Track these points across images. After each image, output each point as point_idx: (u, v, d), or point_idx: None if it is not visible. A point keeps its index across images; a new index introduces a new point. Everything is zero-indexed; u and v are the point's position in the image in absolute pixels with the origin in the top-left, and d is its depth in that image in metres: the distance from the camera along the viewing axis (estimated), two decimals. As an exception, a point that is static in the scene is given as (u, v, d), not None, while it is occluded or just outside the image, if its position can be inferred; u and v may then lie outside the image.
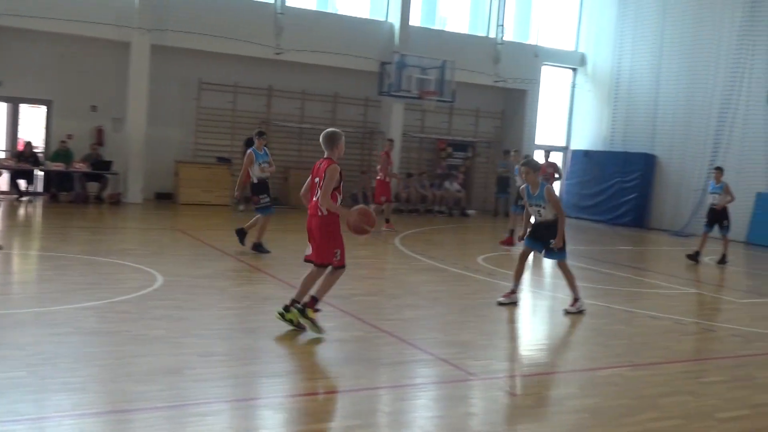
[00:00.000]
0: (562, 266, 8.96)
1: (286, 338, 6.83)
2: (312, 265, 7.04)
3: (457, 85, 21.13)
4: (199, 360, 5.95)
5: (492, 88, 23.15)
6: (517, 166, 16.38)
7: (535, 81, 23.51)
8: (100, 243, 12.14)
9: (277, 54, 19.55)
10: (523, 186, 8.99)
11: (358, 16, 21.33)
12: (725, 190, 14.59)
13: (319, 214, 6.84)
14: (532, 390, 6.11)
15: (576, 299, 8.90)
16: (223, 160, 19.64)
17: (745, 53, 19.56)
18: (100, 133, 18.78)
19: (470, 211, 22.17)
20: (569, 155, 24.67)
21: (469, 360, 6.70)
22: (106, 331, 6.63)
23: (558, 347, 7.55)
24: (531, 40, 24.01)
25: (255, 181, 11.67)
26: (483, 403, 5.66)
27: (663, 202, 21.70)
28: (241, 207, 18.51)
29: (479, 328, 7.91)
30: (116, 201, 17.76)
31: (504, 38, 22.89)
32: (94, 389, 5.17)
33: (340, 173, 6.81)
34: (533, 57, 23.43)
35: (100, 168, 17.75)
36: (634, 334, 8.26)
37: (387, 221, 16.30)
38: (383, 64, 20.56)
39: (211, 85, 19.84)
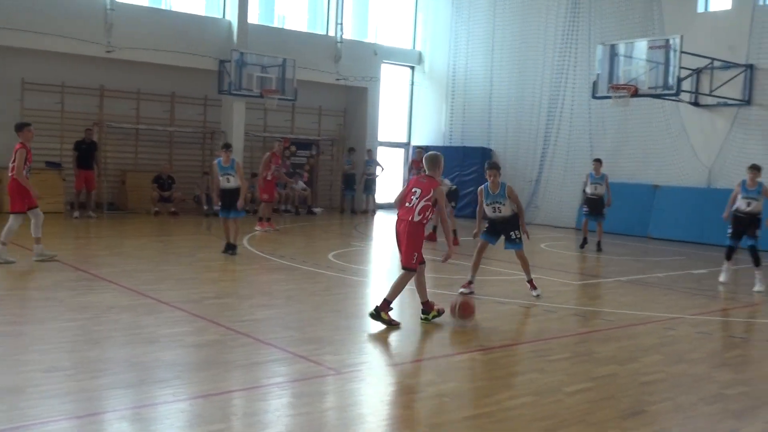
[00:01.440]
0: (520, 255, 9.86)
1: (137, 347, 6.54)
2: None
3: (299, 83, 21.07)
4: (44, 376, 5.56)
5: (334, 86, 23.30)
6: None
7: (375, 79, 23.90)
8: None
9: (108, 52, 18.64)
10: (481, 187, 9.79)
11: (194, 12, 20.74)
12: (606, 180, 15.36)
13: (410, 219, 7.75)
14: (393, 379, 6.21)
15: (531, 280, 9.94)
16: (53, 165, 18.44)
17: (569, 51, 20.88)
18: None
19: (317, 209, 22.20)
20: (410, 151, 25.27)
21: (327, 355, 6.70)
22: (-69, 353, 6.05)
23: (412, 337, 7.72)
24: (370, 39, 24.41)
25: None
26: (344, 396, 5.68)
27: (500, 193, 22.70)
28: (76, 214, 17.58)
29: (334, 323, 7.94)
30: (-69, 212, 16.25)
31: (343, 37, 23.12)
32: None
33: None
34: (373, 55, 23.82)
35: None
36: (483, 319, 8.60)
37: (260, 220, 16.34)
38: (222, 62, 20.12)
39: (35, 85, 18.56)
